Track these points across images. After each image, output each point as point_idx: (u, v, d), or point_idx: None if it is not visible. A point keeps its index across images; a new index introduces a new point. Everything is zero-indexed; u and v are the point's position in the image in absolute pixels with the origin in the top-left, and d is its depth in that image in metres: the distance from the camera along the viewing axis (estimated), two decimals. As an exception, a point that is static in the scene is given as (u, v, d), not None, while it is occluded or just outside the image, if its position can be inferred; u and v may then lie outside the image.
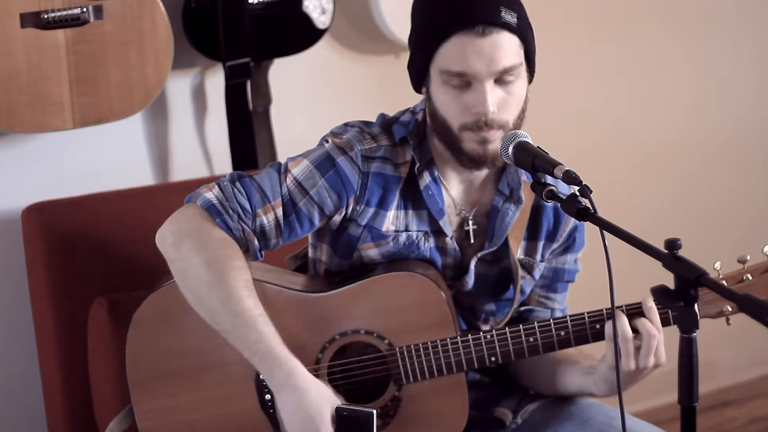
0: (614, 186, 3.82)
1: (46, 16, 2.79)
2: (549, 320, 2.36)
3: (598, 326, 2.35)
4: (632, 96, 3.91)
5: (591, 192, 2.13)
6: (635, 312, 2.32)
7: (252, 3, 3.08)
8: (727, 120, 4.08)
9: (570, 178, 2.12)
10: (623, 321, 2.29)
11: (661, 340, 2.29)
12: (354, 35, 3.40)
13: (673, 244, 1.86)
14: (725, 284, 2.31)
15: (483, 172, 2.40)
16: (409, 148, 2.39)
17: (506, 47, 2.25)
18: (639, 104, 3.93)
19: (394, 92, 3.46)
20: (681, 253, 1.87)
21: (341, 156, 2.36)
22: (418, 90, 2.39)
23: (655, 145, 3.97)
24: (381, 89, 3.47)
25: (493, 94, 2.26)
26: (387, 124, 2.43)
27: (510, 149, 2.24)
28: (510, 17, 2.25)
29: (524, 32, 2.29)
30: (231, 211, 2.32)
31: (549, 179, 2.20)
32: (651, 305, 2.30)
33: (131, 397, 2.39)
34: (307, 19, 3.16)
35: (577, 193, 2.12)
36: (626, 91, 3.90)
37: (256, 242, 2.35)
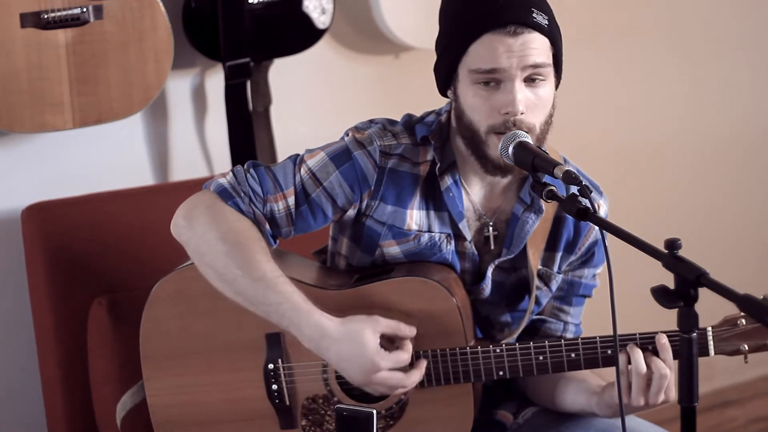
0: (614, 186, 3.81)
1: (46, 16, 2.79)
2: (560, 341, 2.34)
3: (609, 351, 2.33)
4: (632, 97, 3.91)
5: (591, 192, 2.13)
6: (648, 343, 2.30)
7: (252, 3, 3.07)
8: (726, 121, 4.08)
9: (570, 178, 2.12)
10: (638, 355, 2.28)
11: (672, 378, 2.28)
12: (354, 35, 3.40)
13: (673, 244, 1.86)
14: (744, 323, 2.32)
15: (506, 179, 2.39)
16: (430, 148, 2.38)
17: (537, 46, 2.25)
18: (639, 105, 3.93)
19: (394, 92, 3.47)
20: (681, 253, 1.87)
21: (359, 150, 2.36)
22: (443, 93, 2.38)
23: (655, 146, 3.97)
24: (381, 89, 3.47)
25: (522, 93, 2.25)
26: (411, 123, 2.42)
27: (510, 149, 2.24)
28: (541, 18, 2.25)
29: (554, 35, 2.29)
30: (242, 194, 2.34)
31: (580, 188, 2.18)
32: (664, 342, 2.28)
33: (143, 373, 2.42)
34: (307, 19, 3.16)
35: (577, 193, 2.12)
36: (626, 92, 3.89)
37: (268, 226, 2.36)
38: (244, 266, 2.29)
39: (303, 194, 2.36)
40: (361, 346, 2.25)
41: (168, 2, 2.94)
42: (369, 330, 2.26)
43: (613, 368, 2.27)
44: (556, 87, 2.33)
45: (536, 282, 2.43)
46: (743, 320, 2.32)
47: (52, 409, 2.94)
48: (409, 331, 2.29)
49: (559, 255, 2.46)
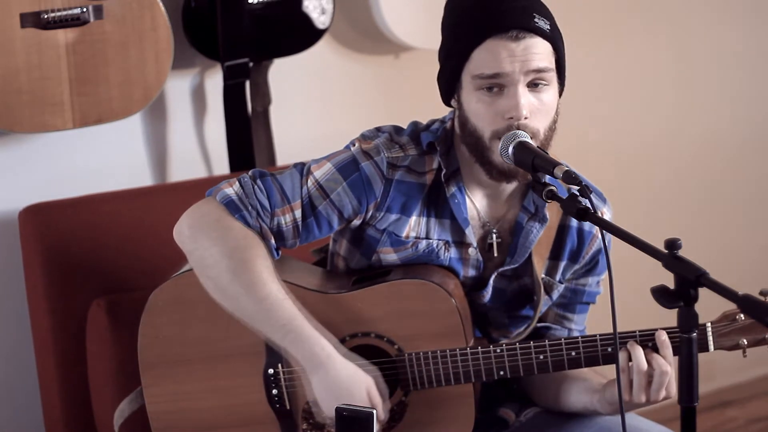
0: (614, 186, 3.80)
1: (46, 16, 2.79)
2: (560, 339, 2.35)
3: (609, 349, 2.33)
4: (632, 96, 3.91)
5: (591, 192, 2.13)
6: (648, 341, 2.30)
7: (251, 3, 3.07)
8: (726, 121, 4.08)
9: (570, 178, 2.12)
10: (638, 352, 2.28)
11: (672, 375, 2.28)
12: (354, 35, 3.40)
13: (673, 244, 1.86)
14: (743, 318, 2.32)
15: (509, 187, 2.39)
16: (435, 155, 2.38)
17: (539, 50, 2.25)
18: (639, 104, 3.93)
19: (394, 92, 3.47)
20: (681, 253, 1.87)
21: (366, 161, 2.36)
22: (447, 102, 2.38)
23: (655, 146, 3.97)
24: (381, 89, 3.47)
25: (525, 98, 2.25)
26: (416, 132, 2.42)
27: (510, 149, 2.23)
28: (543, 23, 2.26)
29: (556, 40, 2.29)
30: (250, 208, 2.33)
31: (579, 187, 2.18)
32: (664, 339, 2.29)
33: (141, 381, 2.41)
34: (306, 19, 3.16)
35: (577, 193, 2.11)
36: (626, 91, 3.89)
37: (273, 241, 2.36)
38: (249, 285, 2.29)
39: (310, 207, 2.36)
40: (359, 382, 2.28)
41: (168, 2, 2.94)
42: (362, 385, 2.29)
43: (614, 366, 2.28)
44: (560, 94, 2.33)
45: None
46: (742, 315, 2.33)
47: (50, 411, 2.94)
48: (382, 411, 2.32)
49: (562, 264, 2.46)
